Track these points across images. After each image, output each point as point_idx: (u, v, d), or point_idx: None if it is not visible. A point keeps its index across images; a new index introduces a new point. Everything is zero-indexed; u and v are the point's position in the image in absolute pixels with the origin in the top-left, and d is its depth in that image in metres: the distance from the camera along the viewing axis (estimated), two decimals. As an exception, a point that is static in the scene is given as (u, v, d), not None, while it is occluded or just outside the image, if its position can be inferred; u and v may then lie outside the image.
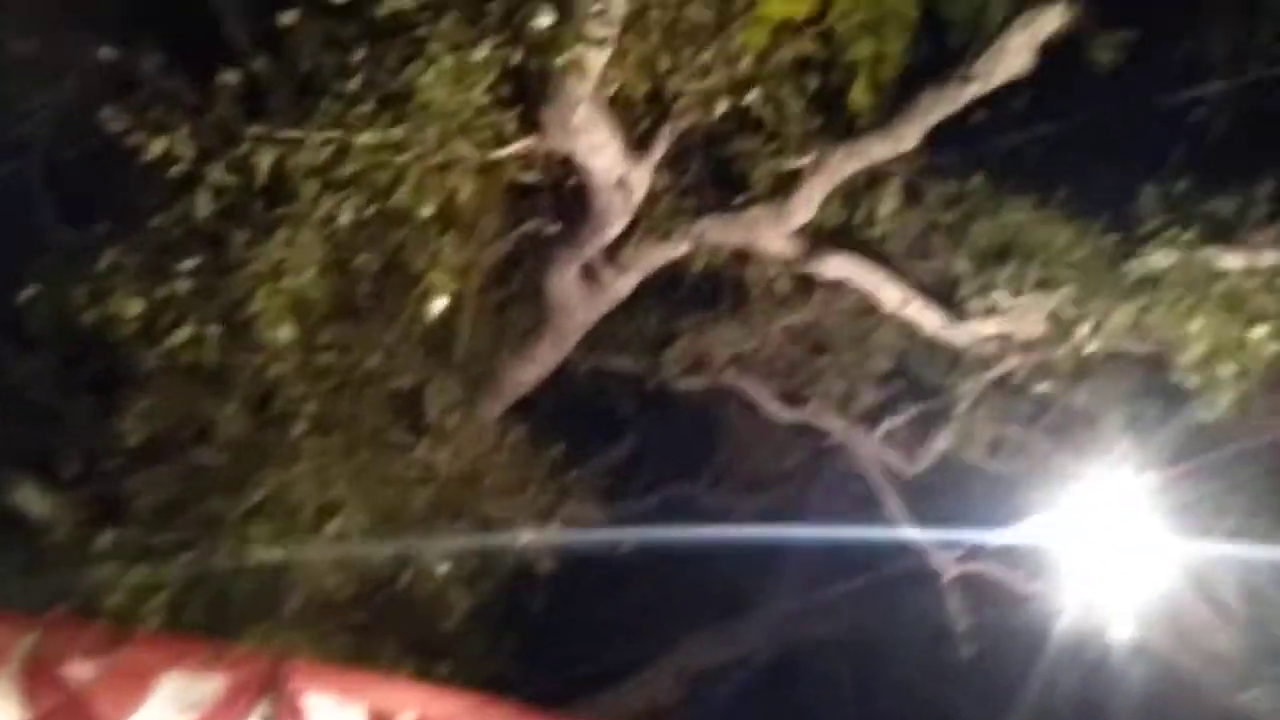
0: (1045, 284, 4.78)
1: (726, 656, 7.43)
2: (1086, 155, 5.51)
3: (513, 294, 5.25)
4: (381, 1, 3.36)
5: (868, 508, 6.34)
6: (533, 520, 5.07)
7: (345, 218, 3.57)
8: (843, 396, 6.04)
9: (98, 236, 3.58)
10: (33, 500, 4.29)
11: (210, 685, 3.30)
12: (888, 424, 6.01)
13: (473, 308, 4.75)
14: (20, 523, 4.30)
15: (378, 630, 4.65)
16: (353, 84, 3.49)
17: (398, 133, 3.51)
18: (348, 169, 3.54)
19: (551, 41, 3.31)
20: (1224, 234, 4.45)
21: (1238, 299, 4.34)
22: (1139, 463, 5.29)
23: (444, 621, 4.69)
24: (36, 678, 2.90)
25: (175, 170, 3.38)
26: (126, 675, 3.12)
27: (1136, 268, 4.52)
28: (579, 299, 5.10)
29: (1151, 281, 4.48)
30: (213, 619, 3.66)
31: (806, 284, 5.57)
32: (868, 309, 5.47)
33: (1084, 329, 4.67)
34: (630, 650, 6.96)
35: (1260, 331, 4.27)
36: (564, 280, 4.96)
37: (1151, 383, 5.04)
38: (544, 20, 3.15)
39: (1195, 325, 4.33)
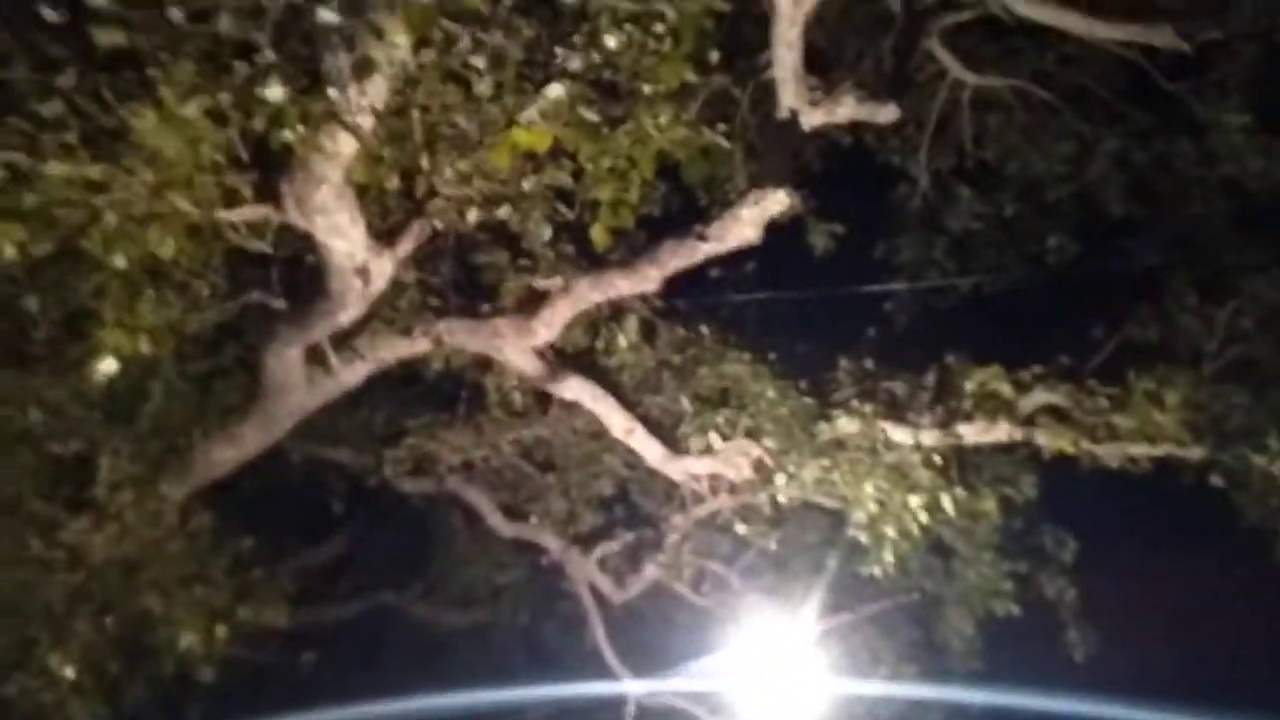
0: (753, 432, 5.14)
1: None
2: (797, 323, 6.18)
3: (222, 366, 4.83)
4: (105, 31, 3.06)
5: (575, 630, 6.27)
6: (201, 621, 4.52)
7: (11, 253, 3.11)
8: (564, 516, 6.06)
9: None
10: None
11: None
12: (603, 548, 6.08)
13: (168, 375, 4.29)
14: None
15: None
16: (54, 108, 3.12)
17: (98, 171, 3.16)
18: (29, 199, 3.12)
19: (286, 115, 3.15)
20: (897, 411, 5.05)
21: (903, 470, 4.90)
22: (814, 606, 5.71)
23: (70, 727, 4.00)
24: None
25: None
26: None
27: (827, 430, 5.02)
28: (300, 382, 4.77)
29: (838, 444, 4.96)
30: None
31: (542, 400, 5.60)
32: (597, 433, 5.57)
33: (781, 478, 5.03)
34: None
35: (917, 500, 4.80)
36: (285, 360, 4.63)
37: (833, 535, 5.52)
38: (274, 92, 3.00)
39: (868, 487, 4.80)
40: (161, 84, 3.21)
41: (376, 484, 6.02)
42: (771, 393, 5.18)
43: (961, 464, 5.10)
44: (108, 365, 3.42)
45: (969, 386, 5.02)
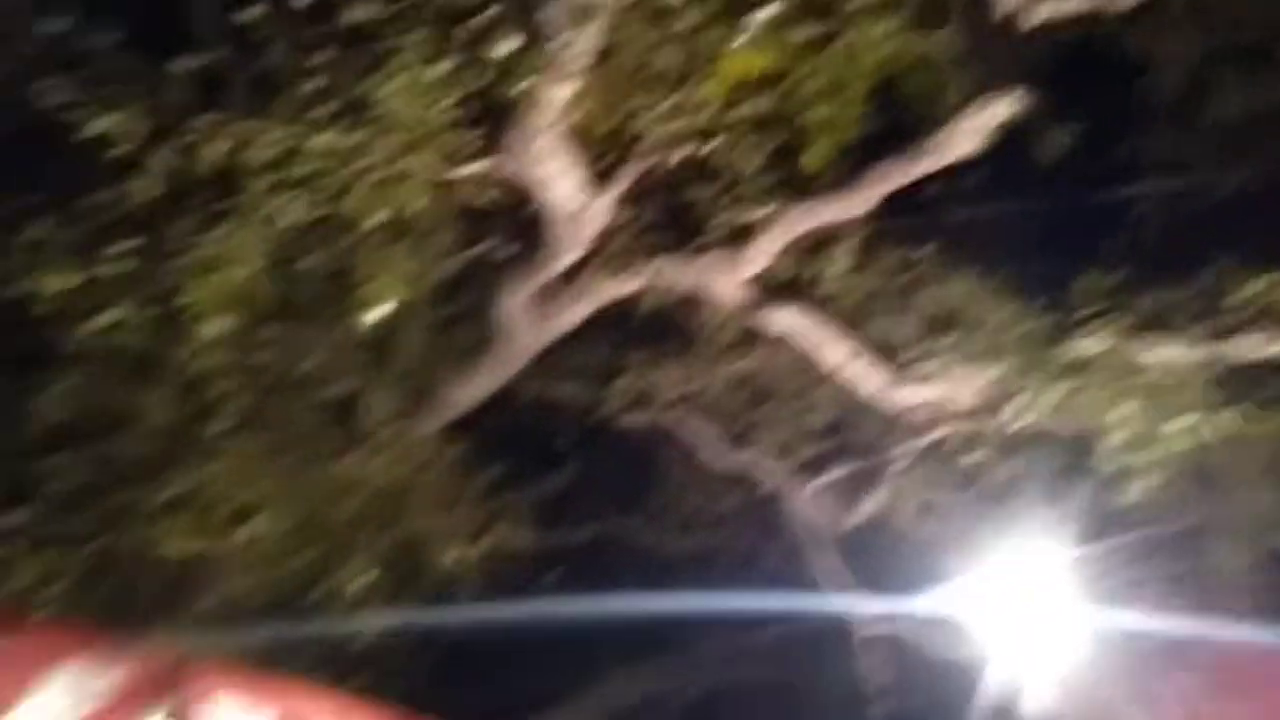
0: (983, 357, 4.91)
1: (647, 693, 7.36)
2: (1031, 238, 5.72)
3: (459, 312, 5.25)
4: (349, 8, 3.39)
5: (796, 559, 6.37)
6: (461, 541, 5.02)
7: (291, 218, 3.55)
8: (780, 447, 6.10)
9: (25, 210, 3.52)
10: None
11: (110, 678, 3.19)
12: (822, 479, 6.08)
13: (417, 321, 4.74)
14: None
15: (291, 638, 4.55)
16: (311, 86, 3.50)
17: (353, 140, 3.52)
18: (298, 170, 3.53)
19: (512, 69, 3.36)
20: (1151, 328, 4.62)
21: (1158, 392, 4.50)
22: (1058, 538, 5.40)
23: (361, 634, 4.60)
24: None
25: (116, 151, 3.35)
26: (21, 659, 3.02)
27: (1068, 351, 4.67)
28: (526, 324, 5.11)
29: (1081, 366, 4.63)
30: (117, 612, 3.56)
31: (753, 334, 5.65)
32: (811, 364, 5.57)
33: (1016, 405, 4.79)
34: (550, 680, 6.86)
35: (1176, 426, 4.42)
36: (512, 304, 4.98)
37: (1076, 462, 5.19)
38: (504, 48, 3.20)
39: (1117, 413, 4.47)
40: (400, 54, 3.51)
41: (599, 419, 6.35)
42: (1004, 313, 4.91)
43: (1231, 383, 4.61)
44: (375, 313, 3.84)
45: (1241, 296, 4.50)
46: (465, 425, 5.39)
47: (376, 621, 4.68)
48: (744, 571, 6.92)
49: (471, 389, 5.32)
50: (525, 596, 6.00)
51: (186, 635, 3.80)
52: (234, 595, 4.13)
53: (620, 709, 7.18)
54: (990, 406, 4.87)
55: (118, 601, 3.69)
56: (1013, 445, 5.17)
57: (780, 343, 5.50)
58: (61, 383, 3.76)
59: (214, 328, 3.67)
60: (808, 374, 5.74)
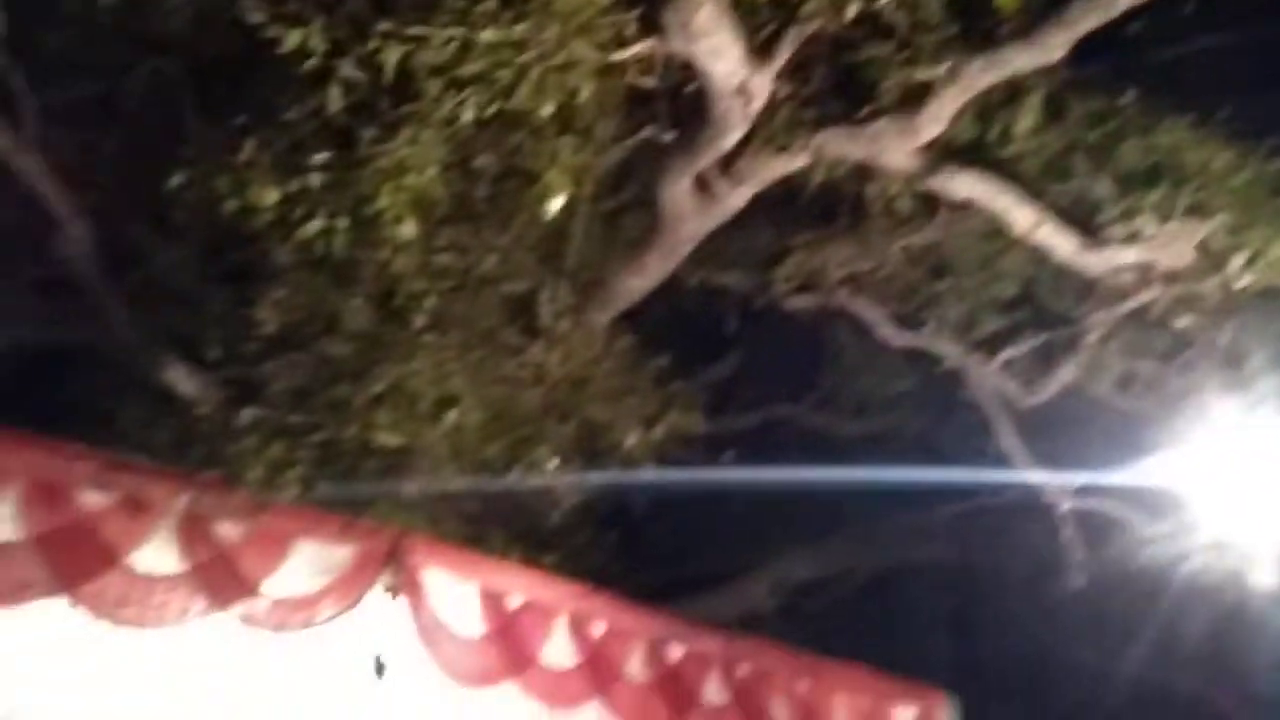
0: (1197, 211, 4.45)
1: (824, 571, 7.50)
2: (1254, 73, 5.06)
3: (625, 202, 5.26)
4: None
5: (977, 438, 6.19)
6: (637, 426, 5.17)
7: (466, 116, 3.63)
8: (962, 322, 5.83)
9: (236, 130, 3.76)
10: (181, 379, 4.65)
11: (340, 553, 3.57)
12: (1008, 352, 5.77)
13: (586, 214, 4.79)
14: (170, 399, 4.68)
15: (488, 519, 4.90)
16: (481, -22, 3.50)
17: (519, 31, 3.52)
18: (470, 67, 3.58)
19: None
20: None
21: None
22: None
23: (550, 515, 4.89)
24: (192, 533, 3.22)
25: (308, 65, 3.50)
26: (268, 538, 3.41)
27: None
28: (691, 210, 5.07)
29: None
30: (339, 496, 3.92)
31: (931, 203, 5.35)
32: (995, 231, 5.24)
33: (1237, 261, 4.35)
34: (728, 558, 7.10)
35: None
36: (677, 190, 4.93)
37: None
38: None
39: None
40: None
41: (765, 303, 6.29)
42: (1220, 162, 4.41)
43: None
44: (553, 205, 3.92)
45: None
46: (635, 315, 5.49)
47: (563, 503, 4.95)
48: (921, 453, 6.81)
49: (640, 279, 5.38)
50: (700, 480, 6.16)
51: (401, 516, 4.16)
52: (439, 479, 4.45)
53: (797, 586, 7.36)
54: (1207, 265, 4.43)
55: (340, 487, 4.05)
56: (1229, 307, 4.71)
57: (960, 211, 5.20)
58: (276, 293, 4.08)
59: (403, 232, 3.85)
60: (991, 243, 5.42)
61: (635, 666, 4.24)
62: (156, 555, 3.15)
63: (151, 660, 3.48)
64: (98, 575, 2.94)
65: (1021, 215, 4.78)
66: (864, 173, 5.21)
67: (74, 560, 2.93)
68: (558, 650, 4.07)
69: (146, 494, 3.14)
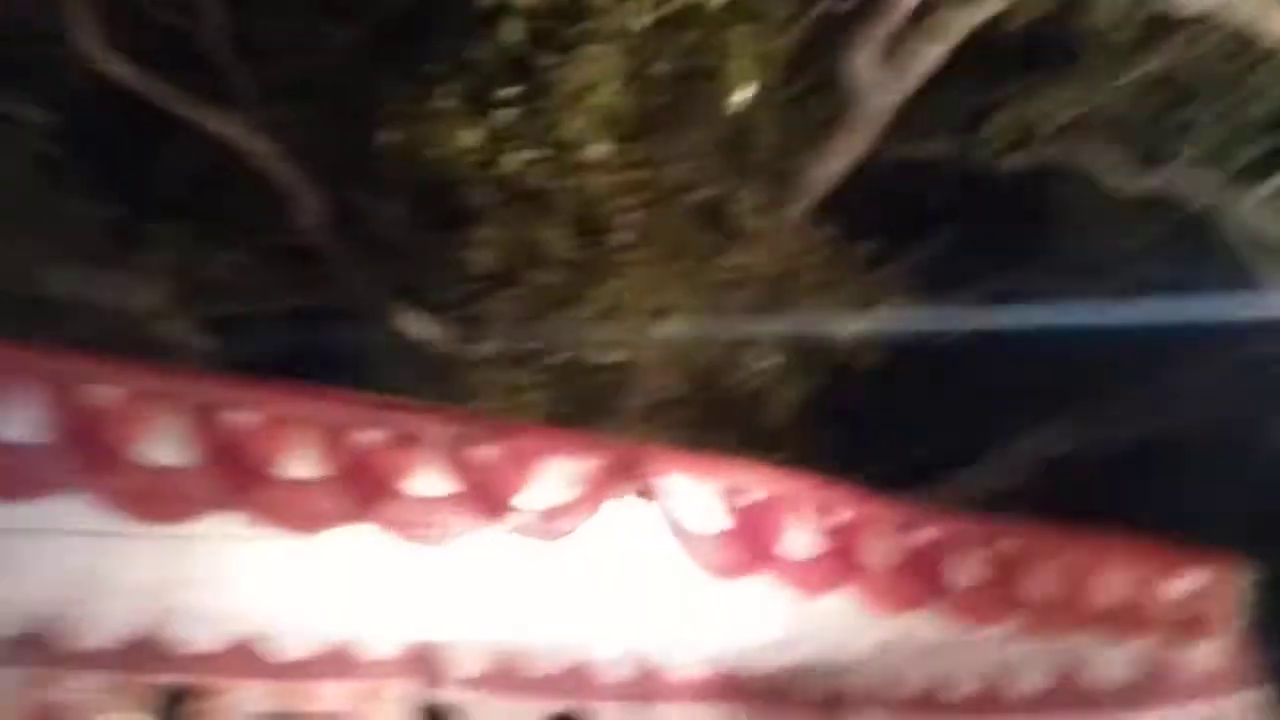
0: None
1: (1071, 444, 7.03)
2: None
3: (809, 86, 5.04)
4: None
5: (1236, 285, 5.49)
6: (851, 316, 5.03)
7: (641, 22, 3.58)
8: (1206, 157, 5.14)
9: (426, 80, 3.92)
10: (411, 324, 5.04)
11: (584, 466, 3.77)
12: (1267, 185, 5.04)
13: (769, 104, 4.64)
14: (404, 343, 5.09)
15: (711, 424, 4.98)
16: None
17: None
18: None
19: None
20: None
21: None
22: None
23: (773, 414, 4.89)
24: (455, 459, 3.52)
25: (483, 2, 3.57)
26: (519, 458, 3.66)
27: None
28: (880, 80, 4.78)
29: None
30: (572, 415, 4.13)
31: (1159, 25, 4.71)
32: (1243, 47, 4.53)
33: None
34: (965, 438, 6.79)
35: None
36: (862, 61, 4.66)
37: None
38: None
39: None
40: None
41: (973, 169, 5.85)
42: None
43: None
44: (737, 98, 3.82)
45: None
46: (836, 202, 5.29)
47: (786, 400, 4.93)
48: (1168, 309, 6.13)
49: (833, 163, 5.17)
50: (922, 363, 5.92)
51: (633, 428, 4.32)
52: (659, 392, 4.57)
53: (1047, 462, 6.95)
54: None
55: (572, 407, 4.26)
56: None
57: (1196, 28, 4.54)
58: (483, 233, 4.29)
59: (594, 153, 3.90)
60: (1236, 61, 4.70)
61: (880, 553, 4.20)
62: (428, 481, 3.49)
63: (435, 573, 3.88)
64: (383, 502, 3.30)
65: (1274, 21, 4.10)
66: (1073, 7, 4.66)
67: (362, 491, 3.30)
68: (800, 541, 4.11)
69: (412, 429, 3.45)
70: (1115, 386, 6.66)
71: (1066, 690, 5.03)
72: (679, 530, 3.72)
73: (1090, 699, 4.96)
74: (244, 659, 5.53)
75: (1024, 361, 5.97)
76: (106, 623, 5.10)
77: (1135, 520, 4.68)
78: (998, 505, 5.55)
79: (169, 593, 4.24)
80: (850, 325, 4.82)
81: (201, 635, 5.28)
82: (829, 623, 4.51)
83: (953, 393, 6.51)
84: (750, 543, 3.86)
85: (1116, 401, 6.71)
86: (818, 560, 3.97)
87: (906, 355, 5.35)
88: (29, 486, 2.79)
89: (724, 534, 3.93)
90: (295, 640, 5.68)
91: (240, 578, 4.05)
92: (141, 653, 4.99)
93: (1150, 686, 4.76)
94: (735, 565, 3.89)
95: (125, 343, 4.16)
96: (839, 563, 3.98)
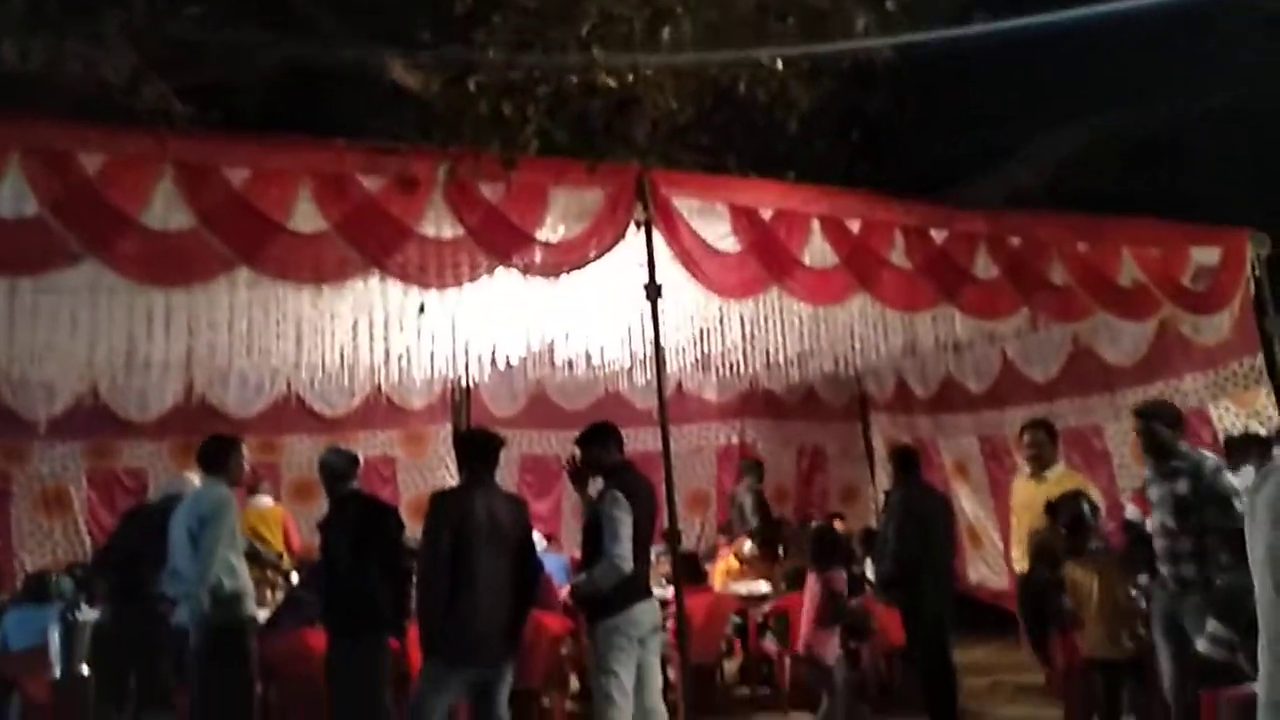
0: None
1: (1094, 140, 6.76)
2: None
3: None
4: None
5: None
6: (863, 12, 4.65)
7: None
8: None
9: None
10: (404, 75, 4.76)
11: (593, 196, 3.68)
12: None
13: None
14: (401, 92, 4.85)
15: (723, 147, 4.80)
16: None
17: None
18: None
19: None
20: None
21: None
22: None
23: (785, 129, 4.68)
24: (460, 199, 3.44)
25: None
26: (525, 193, 3.57)
27: None
28: None
29: None
30: (576, 145, 3.96)
31: None
32: None
33: None
34: (985, 141, 6.53)
35: None
36: None
37: None
38: None
39: None
40: None
41: None
42: None
43: None
44: None
45: None
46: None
47: (797, 109, 4.68)
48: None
49: None
50: (942, 65, 5.56)
51: (640, 156, 4.17)
52: (667, 116, 4.36)
53: (1064, 160, 6.71)
54: None
55: (575, 136, 4.09)
56: None
57: None
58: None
59: None
60: None
61: (898, 255, 4.18)
62: (437, 223, 3.43)
63: (458, 316, 3.97)
64: (396, 247, 3.27)
65: None
66: None
67: (373, 238, 3.27)
68: (817, 252, 4.08)
69: (414, 172, 3.35)
70: (1130, 77, 6.28)
71: (1080, 371, 5.23)
72: (690, 252, 3.70)
73: (1102, 377, 5.16)
74: (292, 416, 5.88)
75: (1038, 59, 5.59)
76: (155, 392, 5.39)
77: (1153, 208, 4.60)
78: (1017, 204, 5.43)
79: (210, 357, 4.41)
80: (863, 17, 4.47)
81: (249, 397, 5.58)
82: (850, 331, 4.62)
83: (972, 94, 6.19)
84: (764, 259, 3.85)
85: (1133, 92, 6.35)
86: (835, 270, 3.98)
87: (924, 57, 5.01)
88: (33, 259, 2.80)
89: (738, 253, 3.91)
90: (339, 396, 5.99)
91: (276, 336, 4.18)
92: (192, 416, 5.30)
93: (1159, 360, 4.91)
94: (749, 284, 3.91)
95: (102, 114, 3.98)
96: (856, 270, 3.99)
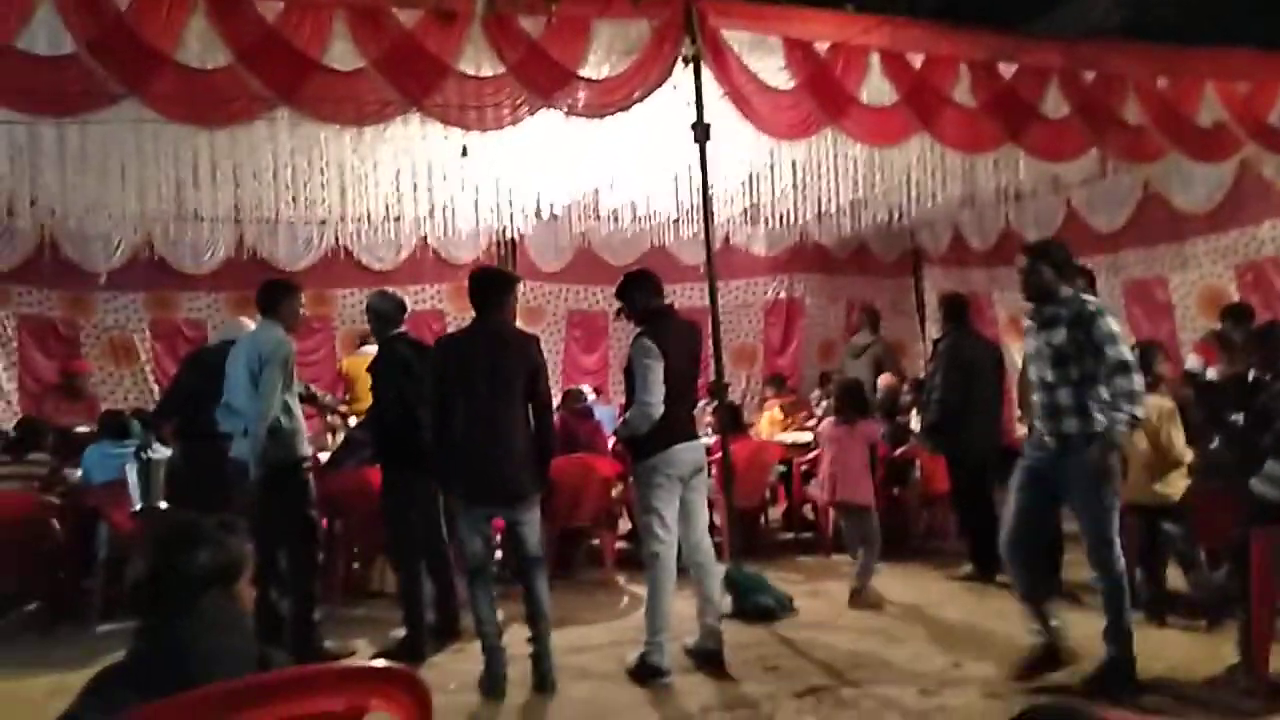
0: None
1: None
2: None
3: None
4: None
5: None
6: None
7: None
8: None
9: None
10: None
11: (638, 29, 3.48)
12: None
13: None
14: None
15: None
16: None
17: None
18: None
19: None
20: None
21: None
22: None
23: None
24: (499, 35, 3.28)
25: None
26: (567, 27, 3.39)
27: None
28: None
29: None
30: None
31: None
32: None
33: None
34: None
35: None
36: None
37: None
38: None
39: None
40: None
41: None
42: None
43: None
44: None
45: None
46: None
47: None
48: None
49: None
50: None
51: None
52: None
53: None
54: None
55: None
56: None
57: None
58: None
59: None
60: None
61: (962, 92, 3.93)
62: (476, 60, 3.29)
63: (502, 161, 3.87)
64: (434, 86, 3.15)
65: None
66: None
67: (411, 75, 3.15)
68: (875, 89, 3.86)
69: (449, 4, 3.18)
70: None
71: (1147, 221, 4.99)
72: (740, 90, 3.53)
73: (1170, 227, 4.93)
74: (341, 269, 5.92)
75: None
76: (208, 245, 5.46)
77: (1232, 40, 4.22)
78: (1090, 38, 5.04)
79: (256, 208, 4.41)
80: None
81: (299, 250, 5.62)
82: (906, 178, 4.42)
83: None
84: (820, 97, 3.65)
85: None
86: (894, 108, 3.78)
87: None
88: (73, 99, 2.77)
89: (791, 91, 3.72)
90: (386, 249, 6.00)
91: (320, 185, 4.15)
92: (245, 270, 5.37)
93: (1235, 206, 4.66)
94: (803, 123, 3.74)
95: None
96: (917, 108, 3.78)
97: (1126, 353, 2.40)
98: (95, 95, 2.80)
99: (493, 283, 2.69)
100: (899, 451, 4.17)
